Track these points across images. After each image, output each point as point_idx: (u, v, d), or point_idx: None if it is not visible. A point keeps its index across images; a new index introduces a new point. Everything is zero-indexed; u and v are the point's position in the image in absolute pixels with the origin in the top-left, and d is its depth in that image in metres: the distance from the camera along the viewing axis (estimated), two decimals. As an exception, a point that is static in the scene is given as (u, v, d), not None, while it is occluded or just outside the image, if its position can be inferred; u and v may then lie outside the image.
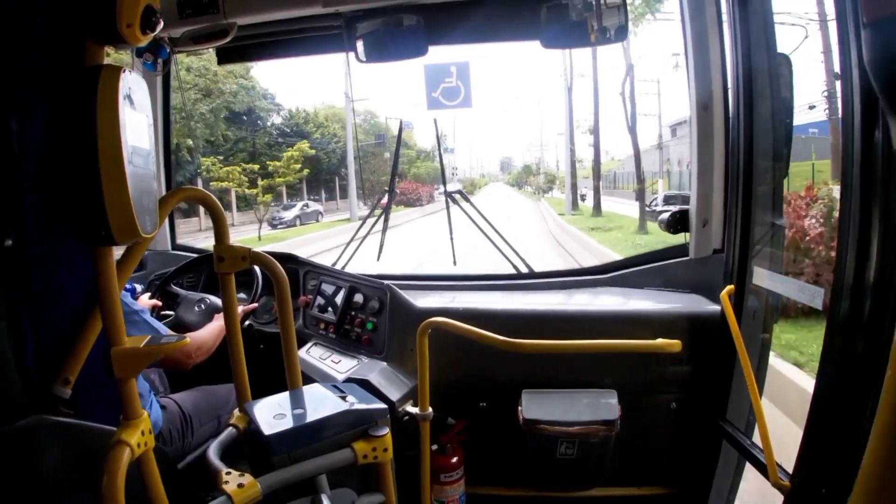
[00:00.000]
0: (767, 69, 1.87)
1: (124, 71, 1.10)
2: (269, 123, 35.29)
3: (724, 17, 2.02)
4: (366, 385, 2.06)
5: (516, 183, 72.82)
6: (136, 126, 1.14)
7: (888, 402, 0.77)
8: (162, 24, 1.20)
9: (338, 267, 2.70)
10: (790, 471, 1.59)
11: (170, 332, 2.02)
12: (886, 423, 0.91)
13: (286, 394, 1.64)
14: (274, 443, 1.39)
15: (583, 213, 25.68)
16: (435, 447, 2.20)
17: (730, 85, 2.01)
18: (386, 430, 1.50)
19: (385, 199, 2.92)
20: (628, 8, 2.09)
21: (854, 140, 1.31)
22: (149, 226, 1.16)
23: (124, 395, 1.23)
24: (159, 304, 2.41)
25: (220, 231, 1.56)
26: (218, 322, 2.21)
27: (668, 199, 24.20)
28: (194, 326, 2.26)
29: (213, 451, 1.39)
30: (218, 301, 2.35)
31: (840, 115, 1.38)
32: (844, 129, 1.35)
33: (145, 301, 2.39)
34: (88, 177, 1.05)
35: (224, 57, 2.54)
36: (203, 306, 2.36)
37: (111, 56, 1.30)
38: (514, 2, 2.19)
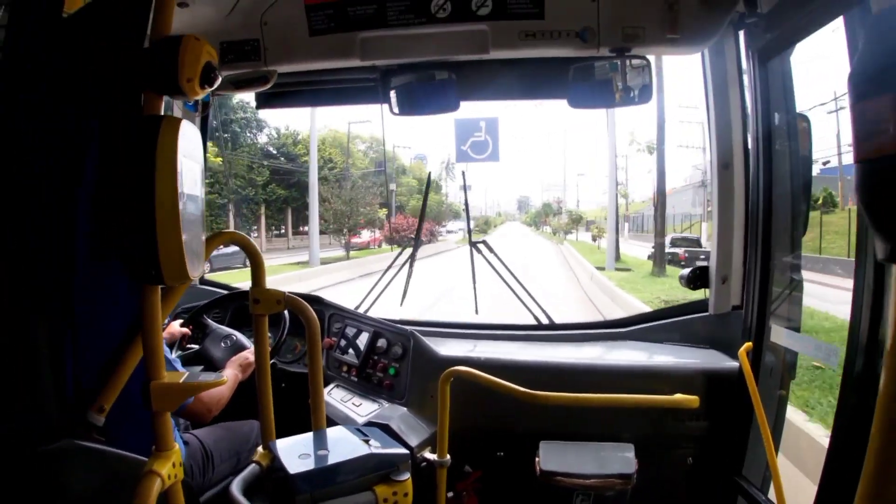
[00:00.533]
0: (787, 128, 1.93)
1: (183, 122, 1.17)
2: (248, 141, 33.66)
3: (745, 78, 2.08)
4: (386, 430, 2.08)
5: (533, 223, 72.85)
6: (190, 174, 1.19)
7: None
8: (220, 79, 1.29)
9: (361, 310, 2.74)
10: None
11: (183, 369, 2.06)
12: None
13: (310, 434, 1.67)
14: (298, 482, 1.41)
15: (630, 268, 20.75)
16: (451, 494, 2.20)
17: (750, 144, 2.07)
18: (407, 475, 1.52)
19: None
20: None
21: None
22: (196, 268, 1.21)
23: (159, 428, 1.27)
24: (189, 332, 2.46)
25: (257, 274, 1.61)
26: (232, 371, 2.25)
27: (674, 242, 24.08)
28: (218, 361, 2.30)
29: (236, 487, 1.42)
30: (244, 339, 2.40)
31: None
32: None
33: (175, 328, 2.44)
34: (144, 221, 1.09)
35: (263, 102, 2.65)
36: (230, 342, 2.40)
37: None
38: (543, 62, 2.28)
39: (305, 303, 1.68)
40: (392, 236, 30.02)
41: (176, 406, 1.30)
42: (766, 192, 1.93)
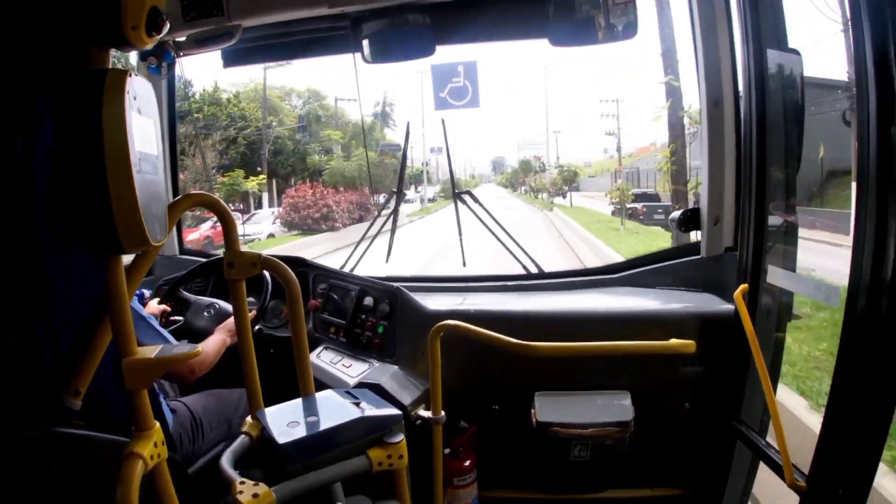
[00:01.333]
0: (779, 65, 1.84)
1: (130, 74, 1.08)
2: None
3: (734, 12, 1.98)
4: (378, 390, 2.05)
5: (510, 184, 62.24)
6: (144, 131, 1.12)
7: None
8: (168, 26, 1.18)
9: (346, 269, 2.68)
10: (806, 471, 1.58)
11: (173, 339, 2.01)
12: None
13: (299, 401, 1.63)
14: (288, 452, 1.38)
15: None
16: (447, 451, 2.19)
17: (741, 81, 1.98)
18: (401, 437, 1.49)
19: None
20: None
21: (870, 140, 1.29)
22: (158, 233, 1.15)
23: (136, 407, 1.22)
24: (168, 308, 2.40)
25: (230, 237, 1.54)
26: (219, 335, 2.20)
27: (637, 197, 24.30)
28: (204, 332, 2.25)
29: (226, 460, 1.38)
30: (227, 306, 2.34)
31: (855, 113, 1.36)
32: (860, 130, 1.33)
33: (154, 306, 2.38)
34: (95, 183, 1.03)
35: (229, 60, 2.51)
36: (212, 311, 2.34)
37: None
38: (521, 0, 2.16)
39: (282, 263, 1.62)
40: (290, 217, 23.23)
41: (150, 382, 1.25)
42: (759, 129, 1.86)
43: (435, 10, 2.19)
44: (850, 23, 1.34)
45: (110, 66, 1.17)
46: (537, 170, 47.89)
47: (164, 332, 1.98)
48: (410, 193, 41.09)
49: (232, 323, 2.19)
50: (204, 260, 2.72)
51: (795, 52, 1.83)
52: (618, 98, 37.98)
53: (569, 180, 35.75)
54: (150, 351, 1.24)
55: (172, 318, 2.38)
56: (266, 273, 2.42)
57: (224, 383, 2.25)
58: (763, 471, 1.94)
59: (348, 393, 1.66)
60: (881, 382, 1.35)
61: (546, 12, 2.13)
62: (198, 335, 2.25)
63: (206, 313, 2.34)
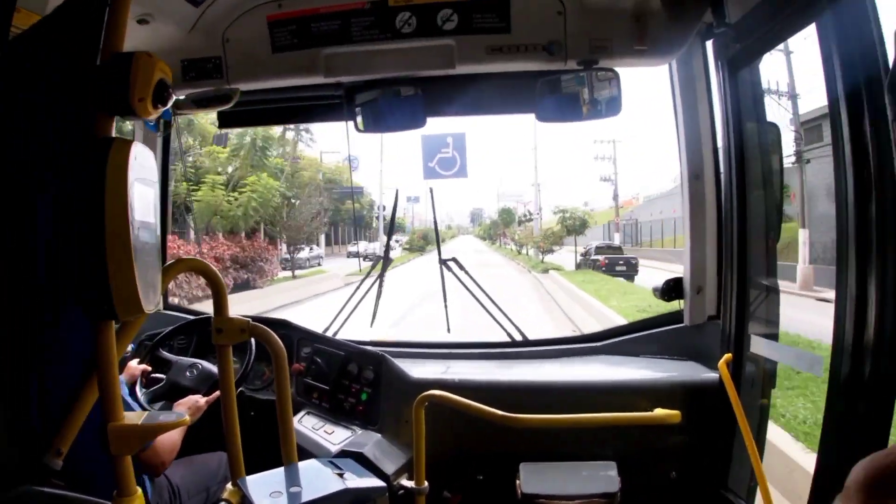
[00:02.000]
0: (758, 137, 1.94)
1: (134, 145, 1.10)
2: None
3: (714, 89, 2.09)
4: (360, 458, 2.01)
5: (488, 236, 58.15)
6: (144, 200, 1.12)
7: None
8: (173, 98, 1.21)
9: (329, 333, 2.66)
10: None
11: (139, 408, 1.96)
12: None
13: (281, 470, 1.60)
14: None
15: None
16: (431, 521, 2.12)
17: (721, 154, 2.07)
18: None
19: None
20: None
21: (848, 209, 1.36)
22: (152, 300, 1.14)
23: (119, 472, 1.19)
24: (149, 369, 2.34)
25: (219, 303, 1.54)
26: (182, 409, 2.13)
27: (598, 250, 25.97)
28: (188, 391, 2.19)
29: None
30: (211, 367, 2.29)
31: (833, 179, 1.44)
32: (838, 199, 1.40)
33: (134, 367, 2.31)
34: (93, 251, 1.03)
35: (225, 121, 2.57)
36: (196, 371, 2.29)
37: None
38: (510, 76, 2.26)
39: (270, 331, 1.61)
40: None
41: (135, 449, 1.22)
42: (739, 201, 1.93)
43: (427, 82, 2.27)
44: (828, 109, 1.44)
45: (114, 135, 1.20)
46: (521, 219, 41.55)
47: (135, 405, 1.92)
48: (369, 244, 37.43)
49: (192, 401, 2.14)
50: (190, 317, 2.67)
51: (773, 124, 1.94)
52: (615, 139, 36.91)
53: (573, 230, 28.96)
54: (137, 417, 1.21)
55: (154, 375, 2.32)
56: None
57: (200, 447, 2.17)
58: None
59: (331, 462, 1.63)
60: (867, 446, 1.35)
61: (533, 88, 2.22)
62: (183, 394, 2.19)
63: (188, 373, 2.29)
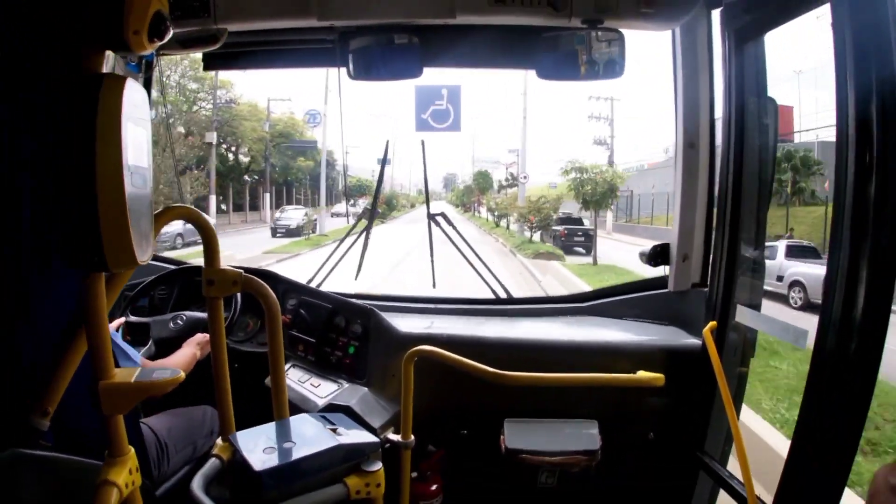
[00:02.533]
0: (757, 111, 1.94)
1: (127, 82, 1.01)
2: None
3: (717, 59, 2.07)
4: (348, 412, 2.01)
5: (461, 203, 49.85)
6: (137, 142, 1.05)
7: None
8: (171, 32, 1.13)
9: (314, 284, 2.63)
10: (769, 501, 1.63)
11: (142, 357, 1.92)
12: None
13: (273, 425, 1.59)
14: (265, 479, 1.35)
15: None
16: (415, 474, 2.16)
17: (719, 124, 2.07)
18: (379, 466, 1.49)
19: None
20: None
21: (847, 189, 1.37)
22: (145, 251, 1.07)
23: (112, 432, 1.15)
24: (122, 321, 2.28)
25: (210, 253, 1.48)
26: (189, 349, 2.12)
27: (560, 221, 24.17)
28: (171, 342, 2.15)
29: (197, 486, 1.34)
30: (195, 315, 2.25)
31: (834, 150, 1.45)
32: (838, 178, 1.42)
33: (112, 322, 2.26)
34: (84, 198, 0.96)
35: (210, 63, 2.44)
36: (181, 321, 2.24)
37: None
38: (511, 30, 2.19)
39: (264, 284, 1.56)
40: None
41: (129, 408, 1.17)
42: (735, 172, 1.94)
43: (424, 31, 2.18)
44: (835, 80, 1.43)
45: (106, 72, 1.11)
46: (503, 184, 35.63)
47: (132, 350, 1.88)
48: (339, 207, 35.03)
49: (202, 336, 2.11)
50: (172, 267, 2.60)
51: (772, 100, 1.93)
52: (612, 96, 30.26)
53: (593, 201, 19.17)
54: (129, 374, 1.16)
55: (137, 321, 2.26)
56: None
57: (186, 400, 2.15)
58: (726, 500, 1.99)
59: (324, 417, 1.62)
60: (848, 420, 1.41)
61: (533, 44, 2.17)
62: (166, 345, 2.15)
63: (171, 325, 2.24)
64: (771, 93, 1.94)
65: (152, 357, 2.14)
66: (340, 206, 36.10)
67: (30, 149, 1.17)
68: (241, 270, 1.52)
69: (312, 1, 2.06)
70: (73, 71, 1.05)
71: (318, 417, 1.64)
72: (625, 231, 29.24)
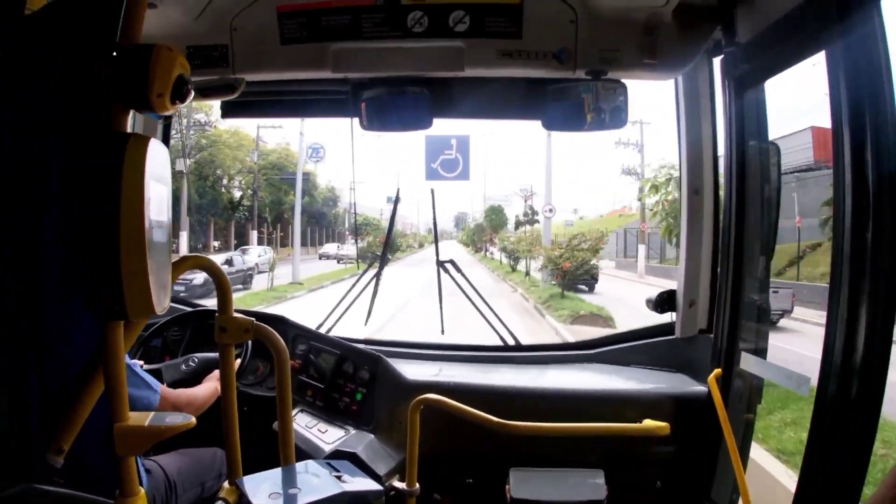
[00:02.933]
0: (759, 156, 1.97)
1: (151, 141, 1.06)
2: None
3: (719, 106, 2.12)
4: (354, 459, 2.02)
5: (471, 241, 44.15)
6: (158, 199, 1.09)
7: None
8: (192, 95, 1.19)
9: (323, 329, 2.66)
10: None
11: (158, 384, 1.94)
12: None
13: (279, 470, 1.59)
14: None
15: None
16: (420, 522, 2.14)
17: (722, 170, 2.10)
18: None
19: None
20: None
21: (845, 233, 1.39)
22: (163, 301, 1.11)
23: (123, 472, 1.18)
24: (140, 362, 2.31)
25: (224, 301, 1.51)
26: (212, 384, 2.15)
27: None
28: (190, 383, 2.18)
29: None
30: (208, 355, 2.28)
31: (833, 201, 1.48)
32: (836, 222, 1.44)
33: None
34: (107, 251, 0.99)
35: (228, 111, 2.54)
36: (192, 364, 2.27)
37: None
38: (518, 81, 2.26)
39: (274, 332, 1.59)
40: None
41: (142, 450, 1.21)
42: (738, 218, 1.96)
43: (435, 83, 2.26)
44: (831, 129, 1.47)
45: (130, 130, 1.17)
46: (521, 219, 30.47)
47: (151, 378, 1.91)
48: (328, 247, 33.22)
49: (218, 373, 2.14)
50: (187, 309, 2.65)
51: (774, 144, 1.97)
52: (642, 119, 27.84)
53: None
54: (143, 418, 1.19)
55: (148, 367, 2.29)
56: None
57: (197, 440, 2.17)
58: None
59: (329, 464, 1.63)
60: (851, 463, 1.40)
61: (540, 95, 2.23)
62: (180, 387, 2.18)
63: (183, 367, 2.26)
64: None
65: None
66: (329, 247, 34.43)
67: (55, 193, 1.23)
68: (252, 318, 1.55)
69: (327, 54, 2.16)
70: (100, 128, 1.11)
71: (323, 464, 1.65)
72: (659, 274, 24.80)
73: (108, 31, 1.14)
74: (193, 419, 1.26)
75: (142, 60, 1.06)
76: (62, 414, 1.25)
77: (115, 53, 1.09)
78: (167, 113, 1.15)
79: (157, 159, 1.08)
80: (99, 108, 1.12)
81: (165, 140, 2.65)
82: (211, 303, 2.42)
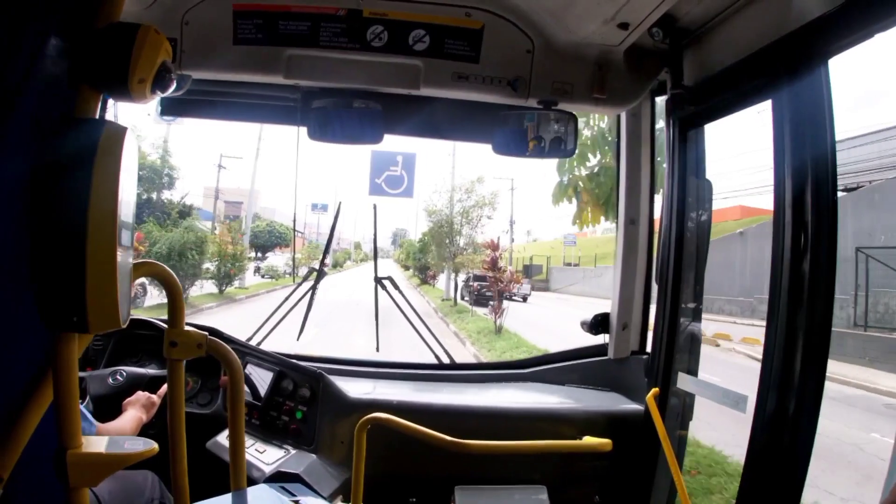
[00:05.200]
0: (696, 191, 2.14)
1: (128, 131, 0.94)
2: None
3: (660, 142, 2.28)
4: (297, 480, 1.93)
5: (415, 265, 32.87)
6: (128, 198, 0.96)
7: None
8: (175, 84, 1.09)
9: (254, 342, 2.52)
10: None
11: (93, 419, 1.74)
12: None
13: (229, 497, 1.48)
14: None
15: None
16: (365, 545, 2.06)
17: (663, 203, 2.25)
18: None
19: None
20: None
21: (783, 266, 1.55)
22: (125, 311, 0.97)
23: None
24: None
25: (175, 313, 1.38)
26: (134, 412, 1.95)
27: (476, 278, 21.88)
28: (111, 400, 1.97)
29: None
30: (136, 370, 2.08)
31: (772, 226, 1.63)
32: (774, 257, 1.59)
33: None
34: (70, 254, 0.86)
35: (168, 108, 2.35)
36: (120, 378, 2.06)
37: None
38: (470, 104, 2.29)
39: (228, 348, 1.47)
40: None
41: (98, 481, 1.02)
42: (677, 246, 2.11)
43: (388, 99, 2.24)
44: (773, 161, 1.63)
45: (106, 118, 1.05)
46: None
47: (85, 410, 1.71)
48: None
49: (145, 396, 1.94)
50: None
51: (708, 181, 2.14)
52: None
53: None
54: (99, 443, 1.03)
55: None
56: None
57: None
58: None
59: (283, 487, 1.55)
60: (788, 478, 1.54)
61: (491, 119, 2.27)
62: (104, 403, 1.96)
63: (110, 380, 2.05)
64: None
65: (91, 415, 1.95)
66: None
67: (10, 180, 1.08)
68: (206, 333, 1.42)
69: (281, 59, 2.08)
70: (71, 113, 0.96)
71: (276, 488, 1.55)
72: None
73: (86, 6, 1.02)
74: (156, 445, 1.10)
75: (126, 39, 0.94)
76: (1, 437, 1.09)
77: (93, 31, 0.97)
78: (144, 102, 1.04)
79: (131, 153, 0.96)
80: (70, 91, 0.99)
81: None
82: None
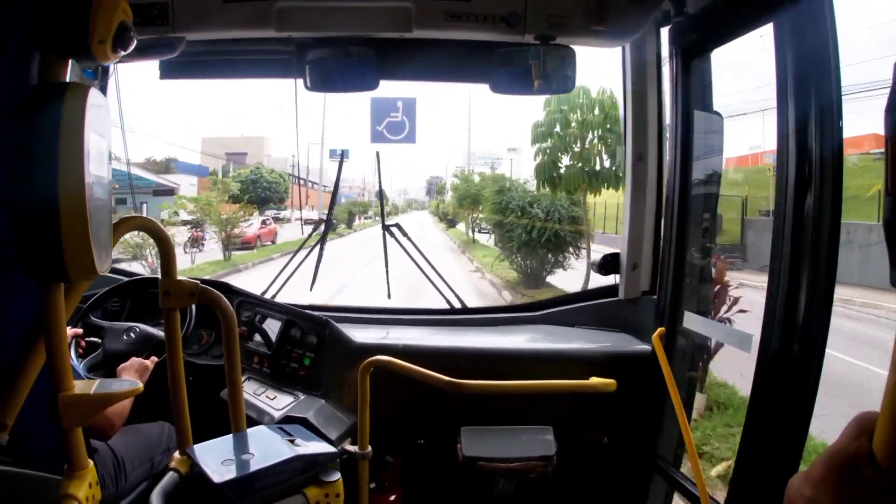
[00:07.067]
0: (704, 124, 2.03)
1: (91, 90, 1.00)
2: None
3: (665, 75, 2.17)
4: (305, 424, 2.00)
5: (443, 215, 32.82)
6: (99, 152, 1.03)
7: None
8: (135, 42, 1.13)
9: (268, 296, 2.60)
10: (722, 501, 1.69)
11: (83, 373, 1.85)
12: None
13: (230, 437, 1.56)
14: (224, 491, 1.33)
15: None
16: (373, 485, 2.15)
17: (668, 137, 2.15)
18: (337, 476, 1.47)
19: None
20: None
21: (787, 201, 1.46)
22: (105, 261, 1.06)
23: (70, 445, 1.13)
24: (80, 331, 2.18)
25: (167, 263, 1.46)
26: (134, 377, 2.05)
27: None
28: (126, 357, 2.08)
29: (157, 500, 1.31)
30: (149, 330, 2.19)
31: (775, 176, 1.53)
32: (778, 190, 1.50)
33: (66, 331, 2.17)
34: (45, 208, 0.94)
35: (167, 72, 2.39)
36: (133, 335, 2.17)
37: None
38: (466, 44, 2.23)
39: (221, 296, 1.54)
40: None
41: (88, 420, 1.14)
42: (682, 183, 2.02)
43: (381, 44, 2.21)
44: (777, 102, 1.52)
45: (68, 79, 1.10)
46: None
47: (80, 368, 1.82)
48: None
49: (138, 363, 2.04)
50: (125, 279, 2.53)
51: (718, 114, 2.03)
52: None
53: None
54: (88, 386, 1.14)
55: (89, 339, 2.18)
56: None
57: (142, 416, 2.09)
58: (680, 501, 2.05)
59: (281, 428, 1.61)
60: (793, 418, 1.48)
61: (488, 59, 2.21)
62: (115, 358, 2.08)
63: (125, 337, 2.16)
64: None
65: (98, 365, 2.08)
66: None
67: None
68: (197, 282, 1.50)
69: (272, 12, 2.07)
70: (37, 77, 1.05)
71: (275, 429, 1.62)
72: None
73: None
74: (140, 384, 1.22)
75: (82, 4, 1.00)
76: (4, 388, 1.19)
77: None
78: (108, 63, 1.10)
79: (97, 111, 1.02)
80: (34, 56, 1.05)
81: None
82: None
